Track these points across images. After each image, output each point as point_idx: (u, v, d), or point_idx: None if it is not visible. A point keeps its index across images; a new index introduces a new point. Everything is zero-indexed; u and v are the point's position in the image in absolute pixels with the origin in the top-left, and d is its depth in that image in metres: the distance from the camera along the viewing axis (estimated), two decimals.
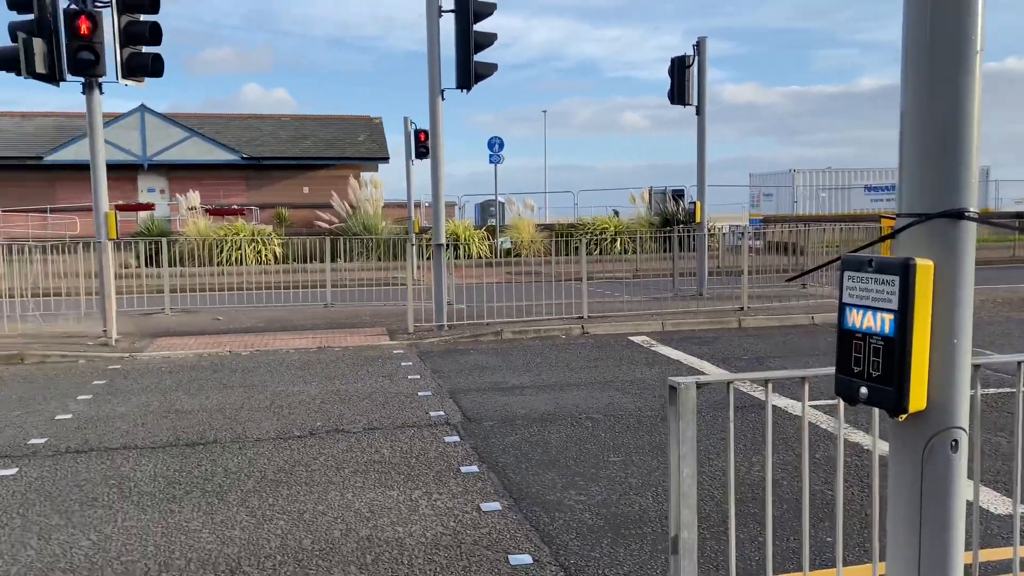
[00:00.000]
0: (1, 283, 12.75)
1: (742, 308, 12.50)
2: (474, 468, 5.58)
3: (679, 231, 16.35)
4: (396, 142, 37.23)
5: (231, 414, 7.10)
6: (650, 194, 27.35)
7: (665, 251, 22.29)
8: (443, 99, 10.92)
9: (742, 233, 17.21)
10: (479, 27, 10.80)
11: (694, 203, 14.84)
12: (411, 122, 20.68)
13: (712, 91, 13.90)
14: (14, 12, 9.55)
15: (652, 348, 10.20)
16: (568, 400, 7.49)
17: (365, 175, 32.90)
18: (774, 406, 4.26)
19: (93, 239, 11.29)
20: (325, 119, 36.98)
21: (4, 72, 9.31)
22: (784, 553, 4.11)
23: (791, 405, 6.81)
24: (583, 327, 11.47)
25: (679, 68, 14.20)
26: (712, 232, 18.54)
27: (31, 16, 9.51)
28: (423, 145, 20.39)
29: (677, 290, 14.80)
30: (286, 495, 5.07)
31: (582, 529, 4.53)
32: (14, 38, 9.33)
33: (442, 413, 7.06)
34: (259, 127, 35.76)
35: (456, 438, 6.32)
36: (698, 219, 14.60)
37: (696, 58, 14.19)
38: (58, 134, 32.67)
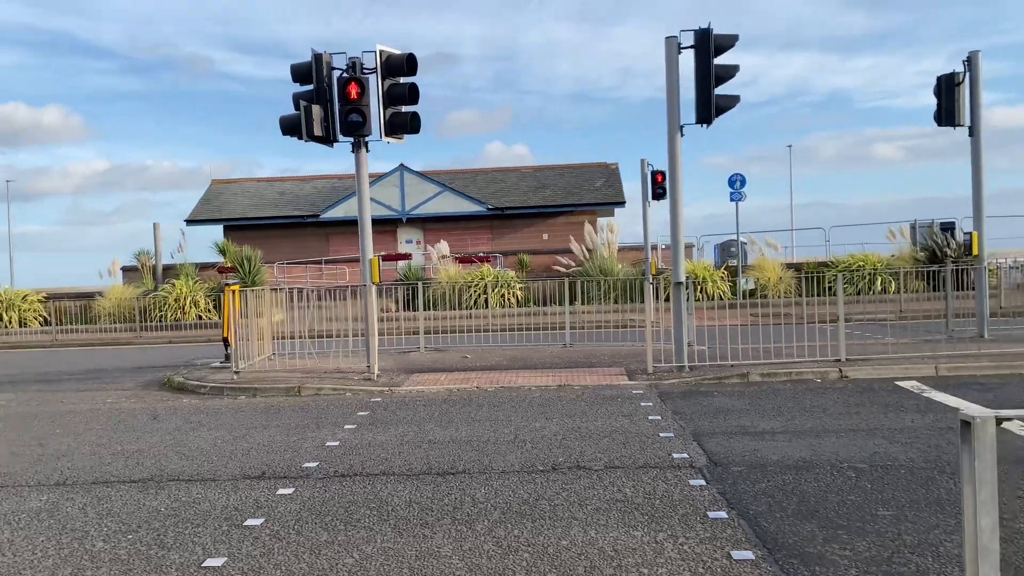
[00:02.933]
0: (285, 326, 14.41)
1: None
2: (722, 514, 5.25)
3: (952, 266, 14.66)
4: (632, 188, 37.33)
5: (478, 446, 7.33)
6: (913, 228, 24.95)
7: (933, 289, 20.14)
8: (682, 135, 10.75)
9: None
10: (720, 60, 10.56)
11: (969, 235, 13.23)
12: (648, 164, 20.68)
13: (983, 115, 12.30)
14: (298, 84, 10.88)
15: (924, 394, 9.13)
16: (826, 448, 6.87)
17: (602, 220, 33.35)
18: None
19: (360, 284, 12.28)
20: (564, 168, 38.17)
21: (288, 137, 10.60)
22: None
23: None
24: (841, 370, 10.56)
25: (947, 86, 12.87)
26: (992, 268, 16.42)
27: (311, 87, 10.79)
28: (660, 186, 20.26)
29: (952, 331, 13.22)
30: (530, 528, 5.08)
31: None
32: (297, 107, 10.61)
33: (686, 455, 6.78)
34: (503, 179, 37.69)
35: (702, 481, 6.01)
36: (975, 251, 12.98)
37: (967, 74, 12.79)
38: (331, 194, 36.72)
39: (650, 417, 8.42)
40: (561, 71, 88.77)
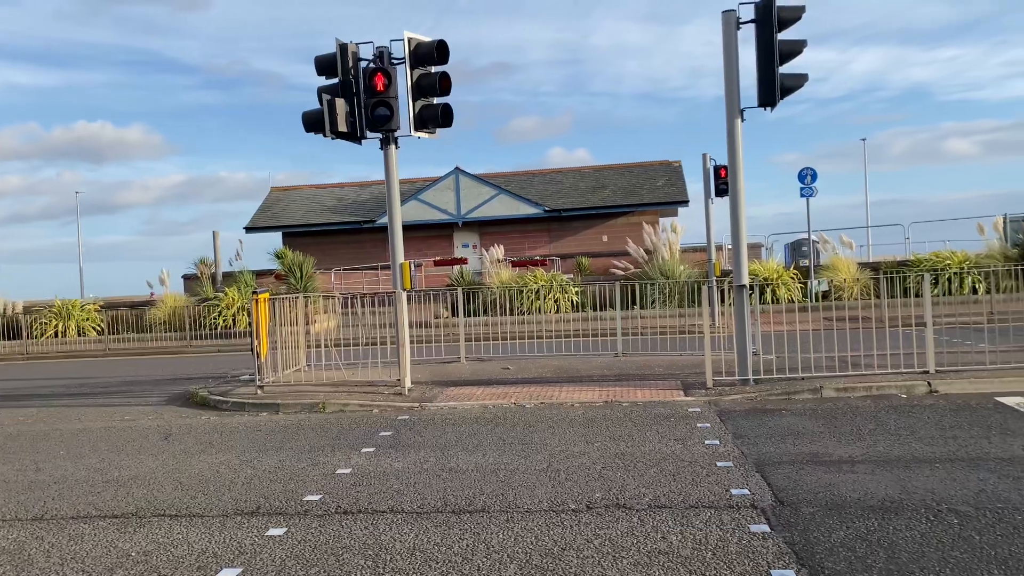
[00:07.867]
0: (330, 334, 13.75)
1: None
2: (790, 574, 4.21)
3: None
4: (697, 187, 35.91)
5: (504, 477, 6.40)
6: (1005, 222, 22.97)
7: None
8: (743, 119, 9.61)
9: None
10: (784, 35, 9.40)
11: None
12: (710, 158, 19.42)
13: None
14: (323, 78, 10.15)
15: None
16: (918, 483, 5.71)
17: (665, 220, 32.01)
18: None
19: (406, 292, 11.04)
20: (624, 167, 36.92)
21: (311, 134, 9.87)
22: None
23: None
24: (930, 384, 9.25)
25: None
26: None
27: (336, 80, 10.04)
28: (723, 182, 18.97)
29: None
30: None
31: None
32: (321, 102, 9.88)
33: (747, 491, 5.71)
34: (560, 180, 36.68)
35: (764, 527, 4.96)
36: None
37: None
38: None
39: (707, 441, 7.34)
40: (629, 71, 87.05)
